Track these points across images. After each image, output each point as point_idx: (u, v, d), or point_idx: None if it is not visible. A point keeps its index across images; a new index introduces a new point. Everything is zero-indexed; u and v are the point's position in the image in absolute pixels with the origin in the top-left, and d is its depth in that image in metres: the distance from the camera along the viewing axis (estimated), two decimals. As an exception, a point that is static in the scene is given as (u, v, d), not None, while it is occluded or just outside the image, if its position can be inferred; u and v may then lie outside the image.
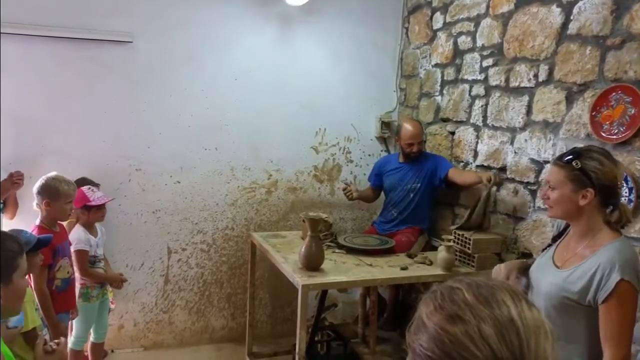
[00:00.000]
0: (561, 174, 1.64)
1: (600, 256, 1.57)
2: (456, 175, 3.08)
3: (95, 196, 2.78)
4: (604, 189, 1.60)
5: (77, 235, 2.74)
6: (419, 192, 3.25)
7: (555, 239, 1.85)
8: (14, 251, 1.44)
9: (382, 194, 3.52)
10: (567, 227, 1.82)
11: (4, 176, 2.84)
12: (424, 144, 3.49)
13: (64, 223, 2.74)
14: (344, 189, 3.37)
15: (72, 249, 2.70)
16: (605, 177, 1.60)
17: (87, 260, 2.76)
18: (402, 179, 3.30)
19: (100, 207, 2.83)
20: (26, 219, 2.84)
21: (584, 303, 1.58)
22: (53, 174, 2.57)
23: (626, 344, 1.53)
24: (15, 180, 2.81)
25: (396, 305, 3.57)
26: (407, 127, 3.26)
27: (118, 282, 2.96)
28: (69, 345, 2.82)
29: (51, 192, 2.48)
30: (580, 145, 2.29)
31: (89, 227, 2.81)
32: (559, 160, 1.67)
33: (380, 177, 3.46)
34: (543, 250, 1.88)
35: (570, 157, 1.63)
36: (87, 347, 2.97)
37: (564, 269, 1.68)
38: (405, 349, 0.77)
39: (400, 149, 3.36)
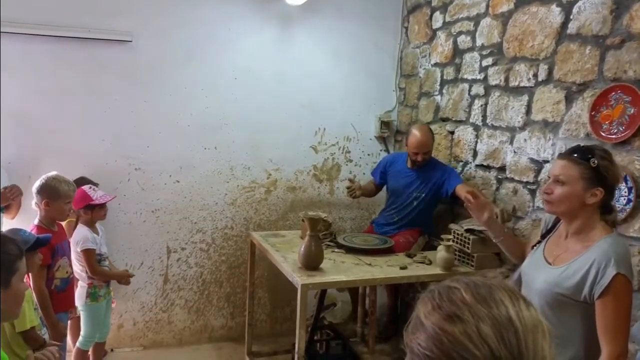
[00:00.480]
0: (575, 170, 1.63)
1: (595, 251, 1.58)
2: (463, 193, 2.84)
3: (97, 195, 2.78)
4: (610, 189, 1.63)
5: (82, 235, 2.73)
6: (423, 201, 3.19)
7: (544, 236, 1.86)
8: (13, 254, 1.43)
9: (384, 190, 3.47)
10: (555, 223, 1.83)
11: (4, 176, 2.84)
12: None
13: (63, 223, 2.73)
14: (348, 187, 3.27)
15: (78, 248, 2.71)
16: (614, 178, 1.64)
17: (95, 259, 2.76)
18: (408, 186, 3.21)
19: (102, 206, 2.83)
20: (25, 218, 2.84)
21: (579, 299, 1.59)
22: (53, 173, 2.56)
23: (623, 338, 1.54)
24: (11, 198, 2.70)
25: (394, 311, 3.55)
26: (415, 133, 3.08)
27: (126, 278, 2.96)
28: (77, 344, 2.83)
29: (51, 192, 2.47)
30: (580, 144, 2.30)
31: (91, 226, 2.81)
32: (573, 156, 1.66)
33: (385, 175, 3.38)
34: (532, 247, 1.88)
35: (586, 154, 1.63)
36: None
37: (556, 265, 1.68)
38: (403, 348, 0.77)
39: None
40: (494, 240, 2.13)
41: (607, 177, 1.61)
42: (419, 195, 3.19)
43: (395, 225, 3.26)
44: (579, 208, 1.64)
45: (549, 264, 1.72)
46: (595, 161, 1.61)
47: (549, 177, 1.74)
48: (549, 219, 1.89)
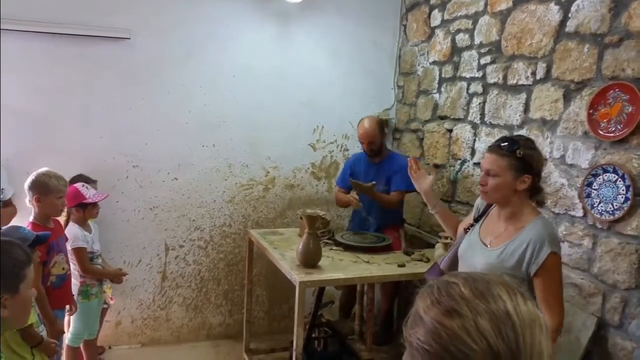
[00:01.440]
0: (503, 162, 1.79)
1: (529, 233, 1.76)
2: (396, 195, 3.12)
3: (90, 193, 2.77)
4: (537, 174, 1.81)
5: (72, 233, 2.72)
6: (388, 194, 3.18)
7: (477, 220, 2.01)
8: (21, 260, 1.40)
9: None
10: (487, 208, 1.99)
11: (4, 174, 2.83)
12: (423, 136, 3.41)
13: (61, 219, 2.72)
14: (356, 198, 3.17)
15: (69, 247, 2.69)
16: (539, 163, 1.84)
17: (86, 257, 2.75)
18: (372, 181, 3.09)
19: (95, 204, 2.83)
20: (24, 216, 2.83)
21: (519, 275, 1.75)
22: (44, 169, 2.54)
23: (560, 309, 1.74)
24: None
25: (390, 316, 3.53)
26: (362, 123, 3.19)
27: (118, 276, 2.96)
28: (66, 341, 2.82)
29: (41, 187, 2.46)
30: (578, 143, 2.31)
31: (83, 224, 2.80)
32: (499, 149, 1.81)
33: (354, 177, 3.25)
34: (465, 229, 2.02)
35: (512, 146, 1.78)
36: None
37: (492, 247, 1.84)
38: (402, 342, 0.78)
39: None
40: (430, 211, 2.26)
41: (533, 164, 1.79)
42: (385, 188, 3.17)
43: (373, 228, 3.23)
44: (511, 195, 1.81)
45: (485, 245, 1.87)
46: (521, 152, 1.77)
47: (482, 170, 1.87)
48: (481, 204, 2.05)
